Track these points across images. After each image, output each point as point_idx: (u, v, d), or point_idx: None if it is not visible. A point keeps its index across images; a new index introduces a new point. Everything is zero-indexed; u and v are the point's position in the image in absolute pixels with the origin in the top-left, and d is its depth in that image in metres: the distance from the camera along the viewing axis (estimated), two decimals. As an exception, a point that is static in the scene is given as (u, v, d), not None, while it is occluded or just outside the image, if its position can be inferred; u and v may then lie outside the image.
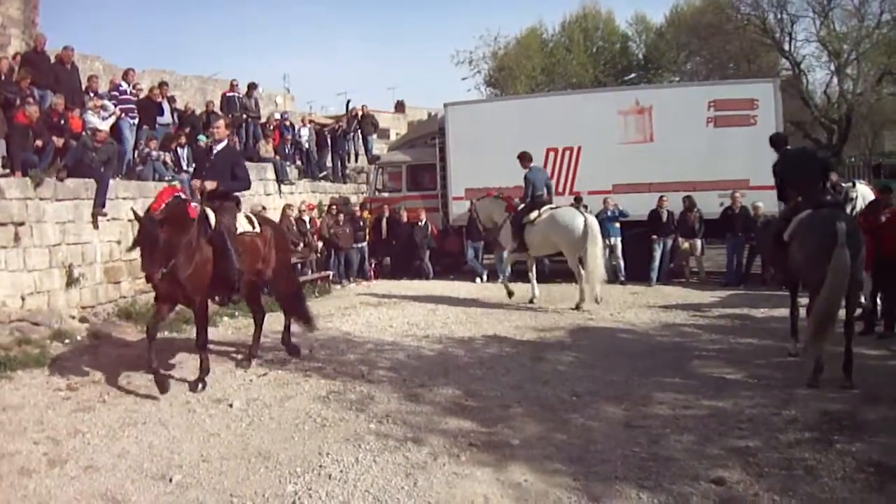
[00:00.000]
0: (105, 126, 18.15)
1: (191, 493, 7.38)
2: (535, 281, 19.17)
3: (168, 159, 19.57)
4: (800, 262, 11.40)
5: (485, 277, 23.66)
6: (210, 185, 11.88)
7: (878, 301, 13.99)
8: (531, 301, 18.68)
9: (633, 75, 51.71)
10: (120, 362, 12.79)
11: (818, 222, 11.06)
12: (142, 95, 21.73)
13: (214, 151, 12.52)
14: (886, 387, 10.50)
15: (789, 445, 8.31)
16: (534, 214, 18.33)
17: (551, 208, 18.46)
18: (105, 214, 16.46)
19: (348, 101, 34.59)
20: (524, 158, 18.75)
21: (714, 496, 7.07)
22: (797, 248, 11.42)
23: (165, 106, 22.23)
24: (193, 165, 15.75)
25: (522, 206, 18.61)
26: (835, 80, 44.78)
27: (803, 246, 11.22)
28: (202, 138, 22.16)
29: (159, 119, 21.80)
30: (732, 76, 41.56)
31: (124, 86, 21.12)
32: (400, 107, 49.90)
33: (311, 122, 30.83)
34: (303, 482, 7.60)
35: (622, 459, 8.00)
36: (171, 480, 7.68)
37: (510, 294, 18.95)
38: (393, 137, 37.43)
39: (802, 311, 12.16)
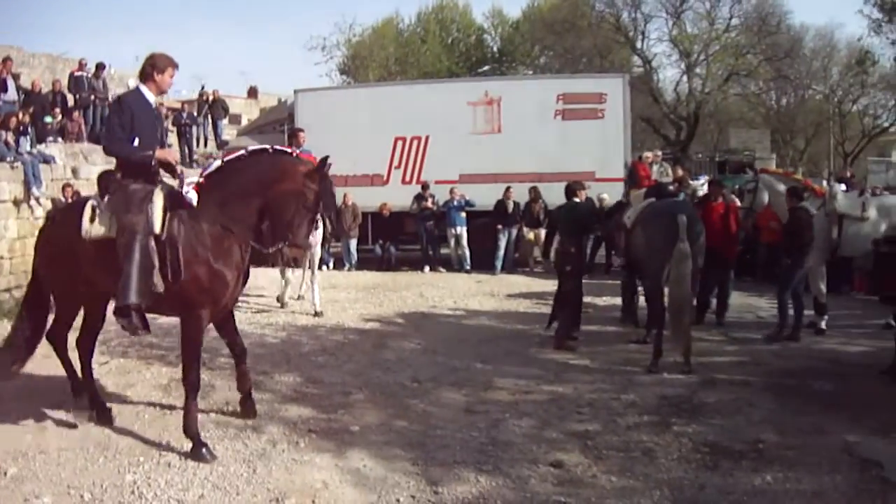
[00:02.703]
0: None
1: (26, 486, 7.12)
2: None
3: (10, 139, 18.83)
4: (641, 249, 11.67)
5: (331, 265, 23.48)
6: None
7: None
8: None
9: (486, 67, 52.19)
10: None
11: (660, 213, 11.43)
12: (-18, 71, 21.03)
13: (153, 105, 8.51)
14: (723, 371, 10.87)
15: (628, 428, 8.47)
16: None
17: None
18: None
19: (202, 87, 34.14)
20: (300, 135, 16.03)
21: (552, 478, 7.13)
22: (639, 236, 11.70)
23: (10, 82, 21.47)
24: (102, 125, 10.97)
25: None
26: (684, 78, 46.10)
27: (645, 235, 11.52)
28: (49, 119, 21.58)
29: (3, 96, 21.07)
30: (585, 71, 42.17)
31: (-38, 59, 20.44)
32: (253, 92, 49.33)
33: (161, 105, 30.24)
34: (142, 471, 7.41)
35: (461, 444, 8.02)
36: (5, 474, 7.38)
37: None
38: (245, 123, 36.94)
39: (642, 299, 12.49)
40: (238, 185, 8.08)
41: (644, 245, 11.66)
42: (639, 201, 13.20)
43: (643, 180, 14.59)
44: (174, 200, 7.99)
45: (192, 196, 8.06)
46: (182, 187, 8.11)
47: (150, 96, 8.43)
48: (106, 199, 8.20)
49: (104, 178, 8.80)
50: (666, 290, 11.20)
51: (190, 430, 7.98)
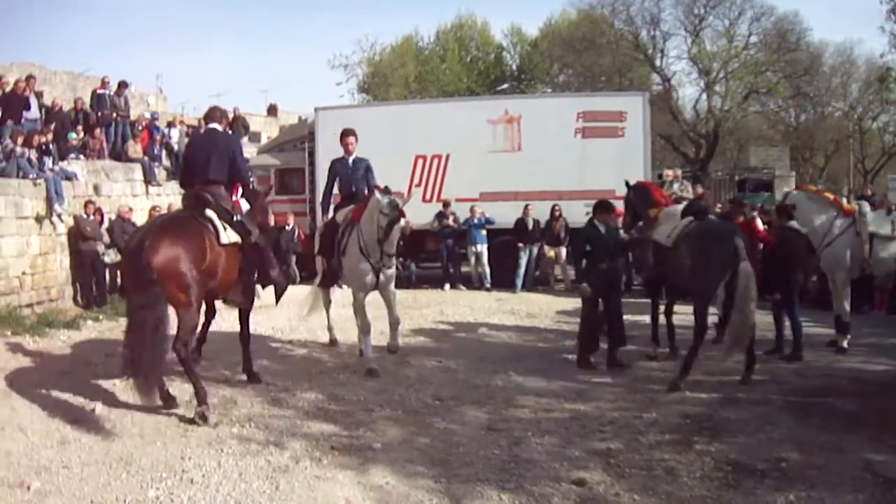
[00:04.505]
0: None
1: (50, 501, 7.18)
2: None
3: (32, 156, 18.94)
4: (687, 269, 11.65)
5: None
6: None
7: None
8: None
9: (506, 85, 52.07)
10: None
11: (713, 234, 11.59)
12: (7, 89, 21.04)
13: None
14: (744, 389, 10.87)
15: (650, 447, 8.48)
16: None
17: None
18: None
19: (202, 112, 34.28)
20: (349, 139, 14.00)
21: (575, 496, 7.16)
22: (685, 256, 11.66)
23: (33, 100, 21.49)
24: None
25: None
26: (704, 96, 46.08)
27: (695, 255, 11.48)
28: (72, 136, 21.66)
29: (26, 114, 21.00)
30: (604, 89, 42.18)
31: (-14, 78, 20.49)
32: (272, 110, 49.37)
33: (181, 123, 30.30)
34: (164, 487, 7.45)
35: (484, 462, 8.05)
36: (29, 488, 7.42)
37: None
38: (264, 141, 36.90)
39: (663, 318, 12.76)
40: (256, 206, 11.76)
41: (694, 265, 11.62)
42: (670, 219, 13.11)
43: (661, 199, 14.49)
44: None
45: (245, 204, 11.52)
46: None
47: None
48: (237, 217, 10.85)
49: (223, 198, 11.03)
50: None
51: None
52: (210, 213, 10.42)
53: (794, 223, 13.30)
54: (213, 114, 11.49)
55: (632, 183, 14.52)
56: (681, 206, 13.40)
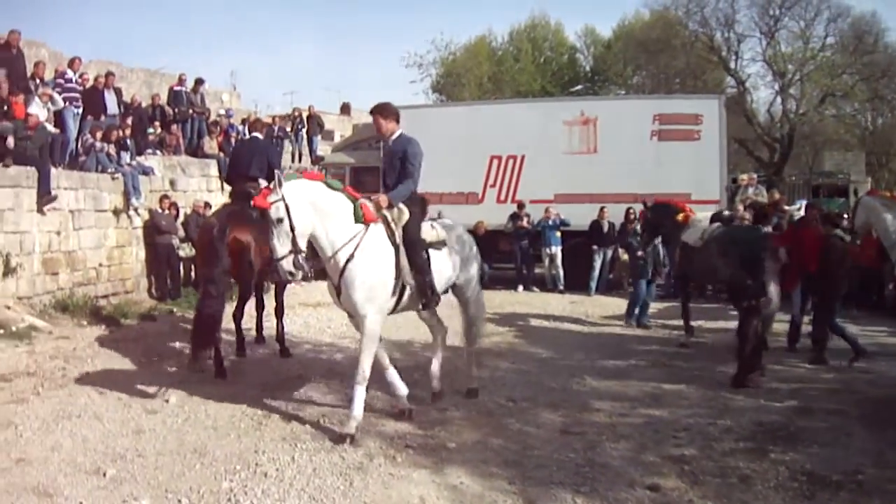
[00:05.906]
0: (42, 112, 17.89)
1: (125, 488, 7.26)
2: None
3: (111, 150, 19.25)
4: (715, 267, 12.34)
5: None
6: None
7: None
8: None
9: (579, 87, 51.95)
10: (55, 354, 12.70)
11: (740, 237, 12.37)
12: (87, 85, 21.35)
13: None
14: (818, 398, 10.77)
15: (724, 454, 8.42)
16: None
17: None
18: (55, 198, 16.28)
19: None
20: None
21: (649, 502, 7.13)
22: (714, 256, 12.15)
23: (112, 97, 21.80)
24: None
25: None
26: (779, 99, 45.65)
27: (725, 257, 12.13)
28: (150, 131, 21.99)
29: (106, 110, 21.37)
30: (678, 91, 41.89)
31: (70, 74, 20.72)
32: (345, 109, 49.56)
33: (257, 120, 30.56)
34: (238, 479, 7.53)
35: (558, 465, 8.04)
36: (104, 475, 7.54)
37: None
38: (337, 139, 37.01)
39: None
40: None
41: (726, 264, 12.14)
42: (697, 224, 14.00)
43: (684, 207, 14.97)
44: None
45: None
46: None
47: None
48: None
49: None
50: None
51: None
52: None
53: (839, 231, 13.26)
54: (255, 125, 15.53)
55: (650, 204, 14.86)
56: (707, 214, 13.84)
